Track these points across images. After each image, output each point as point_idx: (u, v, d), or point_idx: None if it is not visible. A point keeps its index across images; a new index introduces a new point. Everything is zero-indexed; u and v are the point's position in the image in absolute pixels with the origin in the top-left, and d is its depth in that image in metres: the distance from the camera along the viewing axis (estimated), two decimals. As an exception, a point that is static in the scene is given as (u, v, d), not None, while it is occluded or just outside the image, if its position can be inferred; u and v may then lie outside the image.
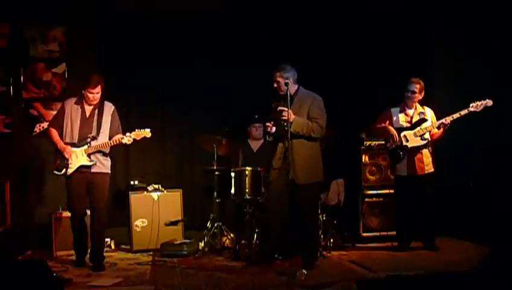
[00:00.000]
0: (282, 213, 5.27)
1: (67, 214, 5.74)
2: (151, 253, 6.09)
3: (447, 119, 5.73)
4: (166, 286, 4.71)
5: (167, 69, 6.86)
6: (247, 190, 5.65)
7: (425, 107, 5.99)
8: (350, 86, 6.94)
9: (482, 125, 5.93)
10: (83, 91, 5.32)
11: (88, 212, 5.54)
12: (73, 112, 5.37)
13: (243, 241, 5.76)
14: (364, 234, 6.46)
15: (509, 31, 6.14)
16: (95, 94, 5.31)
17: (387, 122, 5.98)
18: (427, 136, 5.86)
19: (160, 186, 6.41)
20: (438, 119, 5.85)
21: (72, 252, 5.54)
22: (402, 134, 5.87)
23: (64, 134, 5.38)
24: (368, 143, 6.57)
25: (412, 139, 5.86)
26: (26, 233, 6.21)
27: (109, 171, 5.46)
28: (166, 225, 6.29)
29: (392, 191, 6.33)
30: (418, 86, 5.87)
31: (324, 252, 5.73)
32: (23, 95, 6.55)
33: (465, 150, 6.40)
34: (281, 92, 5.25)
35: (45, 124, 6.44)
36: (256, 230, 5.66)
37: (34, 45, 6.57)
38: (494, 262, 4.05)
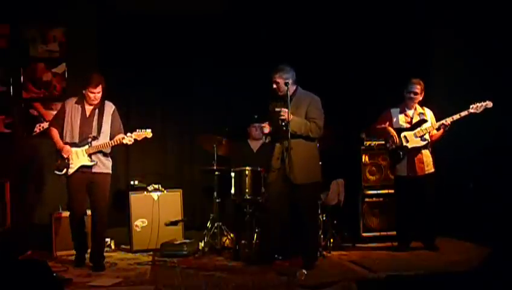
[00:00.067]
0: (281, 213, 5.28)
1: (67, 214, 5.74)
2: (151, 253, 6.09)
3: (447, 121, 5.73)
4: (166, 286, 4.71)
5: (167, 69, 6.86)
6: (247, 190, 5.65)
7: (425, 108, 5.99)
8: (350, 86, 6.94)
9: (482, 125, 5.93)
10: (84, 91, 5.31)
11: (88, 212, 5.54)
12: (73, 112, 5.37)
13: (243, 241, 5.76)
14: (364, 234, 6.46)
15: (509, 31, 6.14)
16: (96, 94, 5.30)
17: (387, 123, 5.98)
18: (427, 137, 5.86)
19: (160, 186, 6.41)
20: (437, 119, 5.85)
21: (72, 252, 5.54)
22: (402, 134, 5.87)
23: (64, 134, 5.38)
24: (368, 143, 6.57)
25: (412, 139, 5.86)
26: (26, 233, 6.21)
27: (110, 172, 5.46)
28: (166, 225, 6.29)
29: (392, 191, 6.33)
30: (419, 86, 5.87)
31: (324, 252, 5.73)
32: (23, 95, 6.55)
33: (465, 150, 6.40)
34: (280, 93, 5.26)
35: (45, 124, 6.45)
36: (256, 230, 5.67)
37: (34, 45, 6.57)
38: (494, 262, 4.05)
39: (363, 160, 6.56)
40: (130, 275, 5.12)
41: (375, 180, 6.57)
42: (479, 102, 5.64)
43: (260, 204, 5.66)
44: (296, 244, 5.34)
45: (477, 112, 5.65)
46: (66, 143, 5.33)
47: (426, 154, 5.89)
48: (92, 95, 5.29)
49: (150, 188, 6.39)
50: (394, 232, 6.14)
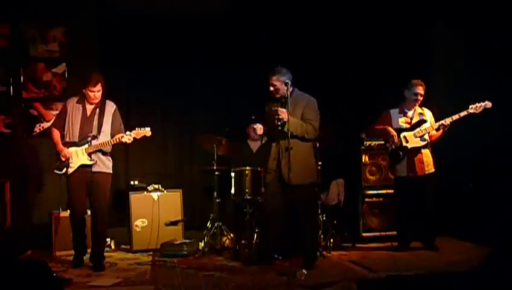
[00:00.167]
0: (279, 214, 5.29)
1: (67, 214, 5.73)
2: (151, 253, 6.09)
3: (447, 121, 5.73)
4: (166, 286, 4.71)
5: (167, 69, 6.86)
6: (247, 190, 5.65)
7: (424, 108, 5.99)
8: (350, 86, 6.94)
9: (481, 125, 5.93)
10: (84, 90, 5.31)
11: (89, 212, 5.53)
12: (74, 111, 5.36)
13: (243, 241, 5.75)
14: (364, 234, 6.46)
15: (509, 32, 6.14)
16: (96, 92, 5.30)
17: (387, 123, 5.97)
18: (426, 137, 5.86)
19: (160, 186, 6.41)
20: (437, 120, 5.84)
21: (72, 252, 5.52)
22: (402, 135, 5.87)
23: (65, 133, 5.37)
24: (368, 143, 6.57)
25: (411, 140, 5.86)
26: (26, 233, 6.21)
27: (111, 171, 5.45)
28: (166, 225, 6.29)
29: (392, 191, 6.33)
30: (422, 88, 5.87)
31: (324, 252, 5.73)
32: (23, 95, 6.56)
33: (464, 150, 6.40)
34: (277, 95, 5.28)
35: (45, 124, 6.46)
36: (256, 230, 5.66)
37: (34, 45, 6.58)
38: (494, 262, 4.05)
39: (363, 160, 6.56)
40: (130, 275, 5.12)
41: (375, 180, 6.57)
42: (478, 102, 5.64)
43: (260, 204, 5.66)
44: (295, 244, 5.34)
45: (477, 112, 5.65)
46: (66, 143, 5.33)
47: (426, 154, 5.89)
48: (92, 94, 5.29)
49: (150, 188, 6.39)
50: (394, 232, 6.14)
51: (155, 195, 6.36)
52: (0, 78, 6.49)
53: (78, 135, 5.32)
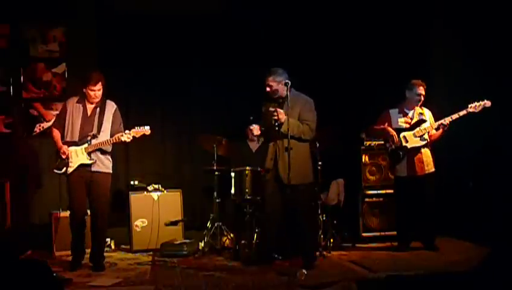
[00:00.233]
0: (276, 214, 5.29)
1: (67, 214, 5.73)
2: (151, 253, 6.10)
3: (446, 120, 5.73)
4: (166, 286, 4.71)
5: (166, 69, 6.86)
6: (247, 190, 5.65)
7: (424, 108, 5.99)
8: (349, 86, 6.94)
9: (482, 125, 5.93)
10: (84, 89, 5.30)
11: (88, 212, 5.53)
12: (74, 111, 5.36)
13: (242, 241, 5.75)
14: (364, 234, 6.46)
15: (507, 32, 6.15)
16: (96, 91, 5.29)
17: (386, 123, 5.97)
18: (426, 136, 5.86)
19: (160, 186, 6.41)
20: (436, 119, 5.84)
21: (72, 252, 5.53)
22: (401, 135, 5.87)
23: (65, 133, 5.36)
24: (368, 143, 6.57)
25: (411, 140, 5.85)
26: (26, 233, 6.21)
27: (111, 171, 5.44)
28: (166, 225, 6.29)
29: (392, 191, 6.33)
30: (423, 88, 5.87)
31: (324, 252, 5.73)
32: (23, 95, 6.56)
33: (464, 150, 6.41)
34: (274, 96, 5.29)
35: (45, 124, 6.46)
36: (256, 230, 5.66)
37: (34, 45, 6.58)
38: (494, 262, 4.05)
39: (363, 160, 6.56)
40: (130, 275, 5.12)
41: (375, 180, 6.57)
42: (478, 101, 5.65)
43: (260, 204, 5.66)
44: (295, 244, 5.35)
45: (476, 111, 5.65)
46: (66, 142, 5.32)
47: (426, 153, 5.89)
48: (92, 93, 5.29)
49: (149, 188, 6.39)
50: (394, 232, 6.14)
51: (155, 195, 6.37)
52: (0, 78, 6.49)
53: (78, 134, 5.31)
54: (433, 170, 5.89)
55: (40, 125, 6.55)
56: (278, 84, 5.25)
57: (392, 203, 6.26)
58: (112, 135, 5.36)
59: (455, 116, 5.71)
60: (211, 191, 6.32)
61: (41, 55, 6.59)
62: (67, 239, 5.71)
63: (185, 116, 7.02)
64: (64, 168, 5.31)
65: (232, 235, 6.11)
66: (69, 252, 5.60)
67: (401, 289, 4.34)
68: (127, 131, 5.34)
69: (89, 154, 5.29)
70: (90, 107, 5.37)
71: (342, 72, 6.95)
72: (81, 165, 5.29)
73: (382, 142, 6.16)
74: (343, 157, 6.54)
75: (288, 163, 4.94)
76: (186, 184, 6.80)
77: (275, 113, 5.10)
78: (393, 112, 6.00)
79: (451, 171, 6.33)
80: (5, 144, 6.41)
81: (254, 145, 6.54)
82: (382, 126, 5.97)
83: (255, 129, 5.40)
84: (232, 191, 5.77)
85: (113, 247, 6.35)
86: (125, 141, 5.35)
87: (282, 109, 5.19)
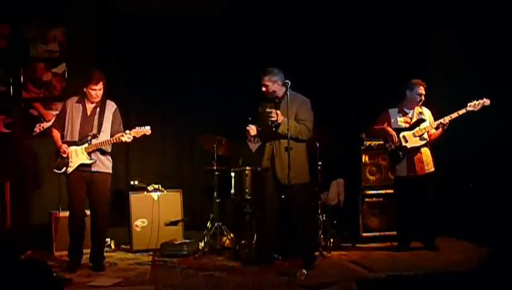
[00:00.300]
0: (275, 214, 5.29)
1: (66, 214, 5.70)
2: (151, 253, 6.10)
3: (445, 119, 5.73)
4: (166, 286, 4.71)
5: (166, 69, 6.86)
6: (247, 190, 5.65)
7: (423, 107, 5.98)
8: (349, 86, 6.94)
9: (481, 124, 5.94)
10: (85, 89, 5.29)
11: (88, 212, 5.52)
12: (74, 111, 5.35)
13: (242, 241, 5.76)
14: (364, 234, 6.46)
15: (506, 31, 6.15)
16: (98, 91, 5.29)
17: (385, 123, 5.97)
18: (425, 136, 5.86)
19: (160, 186, 6.41)
20: (436, 119, 5.85)
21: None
22: (401, 134, 5.87)
23: (65, 133, 5.36)
24: (368, 143, 6.57)
25: (411, 139, 5.85)
26: (26, 233, 6.21)
27: (110, 171, 5.43)
28: (166, 225, 6.29)
29: (392, 191, 6.33)
30: (423, 87, 5.86)
31: (324, 252, 5.73)
32: (23, 95, 6.56)
33: (464, 149, 6.41)
34: (270, 95, 5.30)
35: (45, 124, 6.46)
36: (255, 230, 5.66)
37: (34, 45, 6.58)
38: (494, 262, 4.05)
39: (363, 160, 6.56)
40: (130, 275, 5.12)
41: (375, 180, 6.57)
42: (477, 100, 5.65)
43: (260, 204, 5.65)
44: (295, 244, 5.35)
45: (475, 110, 5.65)
46: (66, 142, 5.31)
47: (426, 153, 5.89)
48: (93, 92, 5.28)
49: (150, 188, 6.39)
50: (394, 232, 6.14)
51: (155, 195, 6.37)
52: (0, 78, 6.49)
53: (78, 134, 5.30)
54: (432, 169, 5.89)
55: (40, 125, 6.55)
56: (274, 83, 5.26)
57: (392, 203, 6.26)
58: (112, 135, 5.35)
59: (454, 115, 5.71)
60: (211, 191, 6.32)
61: (41, 55, 6.59)
62: (67, 239, 5.68)
63: (185, 116, 7.02)
64: (64, 168, 5.30)
65: (232, 235, 6.11)
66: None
67: (401, 289, 4.34)
68: (127, 131, 5.33)
69: (89, 154, 5.28)
70: (90, 107, 5.36)
71: (341, 72, 6.95)
72: (81, 165, 5.28)
73: (382, 142, 6.16)
74: (343, 157, 6.54)
75: (288, 163, 4.93)
76: (186, 184, 6.79)
77: (272, 114, 5.10)
78: (393, 111, 6.00)
79: (451, 171, 6.34)
80: (5, 144, 6.41)
81: (254, 146, 6.54)
82: (381, 126, 5.97)
83: (252, 130, 5.39)
84: (232, 191, 5.77)
85: (113, 247, 6.35)
86: (125, 141, 5.35)
87: (278, 109, 5.19)
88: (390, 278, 4.55)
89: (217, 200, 6.20)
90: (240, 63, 6.82)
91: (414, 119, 5.91)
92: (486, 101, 5.64)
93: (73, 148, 5.28)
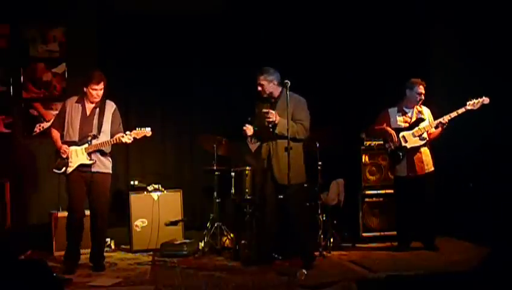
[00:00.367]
0: (273, 213, 5.28)
1: (66, 214, 5.71)
2: (151, 253, 6.10)
3: (445, 119, 5.72)
4: (166, 286, 4.71)
5: (166, 69, 6.86)
6: (247, 190, 5.66)
7: (423, 106, 5.98)
8: (349, 86, 6.94)
9: (481, 124, 5.94)
10: (85, 88, 5.28)
11: (87, 212, 5.51)
12: (73, 111, 5.34)
13: (242, 241, 5.76)
14: (364, 234, 6.46)
15: (506, 31, 6.15)
16: (99, 91, 5.28)
17: (385, 124, 5.96)
18: (425, 135, 5.85)
19: (160, 186, 6.41)
20: (435, 119, 5.84)
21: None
22: (401, 135, 5.87)
23: (65, 133, 5.35)
24: (368, 143, 6.57)
25: (410, 139, 5.85)
26: (26, 233, 6.21)
27: (110, 171, 5.43)
28: (166, 225, 6.29)
29: (392, 191, 6.32)
30: (423, 87, 5.86)
31: (324, 252, 5.73)
32: (23, 95, 6.56)
33: (464, 149, 6.41)
34: (265, 95, 5.30)
35: (45, 124, 6.46)
36: (254, 231, 5.66)
37: (34, 45, 6.58)
38: (494, 262, 4.05)
39: (363, 160, 6.56)
40: (130, 275, 5.12)
41: (375, 180, 6.57)
42: (476, 98, 5.64)
43: (259, 204, 5.65)
44: (295, 244, 5.34)
45: (474, 108, 5.64)
46: (66, 142, 5.31)
47: (426, 153, 5.88)
48: (94, 92, 5.27)
49: (150, 188, 6.39)
50: (394, 232, 6.14)
51: (155, 195, 6.37)
52: (0, 78, 6.49)
53: (78, 134, 5.30)
54: (432, 169, 5.89)
55: (40, 125, 6.55)
56: (270, 83, 5.27)
57: (392, 203, 6.26)
58: (111, 135, 5.35)
59: (454, 114, 5.70)
60: (211, 191, 6.32)
61: (41, 55, 6.59)
62: (67, 239, 5.72)
63: (185, 116, 7.02)
64: (64, 168, 5.30)
65: (232, 235, 6.11)
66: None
67: (401, 289, 4.34)
68: (127, 132, 5.33)
69: (89, 154, 5.27)
70: (89, 107, 5.36)
71: (342, 72, 6.94)
72: (81, 165, 5.28)
73: (382, 142, 6.16)
74: (343, 157, 6.54)
75: (288, 164, 4.93)
76: (186, 184, 6.79)
77: (269, 115, 5.10)
78: (392, 111, 6.00)
79: (450, 171, 6.33)
80: (5, 144, 6.41)
81: (253, 146, 6.53)
82: (381, 127, 5.97)
83: (248, 130, 5.39)
84: (232, 191, 5.77)
85: (113, 247, 6.35)
86: (125, 142, 5.35)
87: (274, 108, 5.19)
88: (390, 278, 4.56)
89: (217, 200, 6.20)
90: (240, 63, 6.82)
91: (413, 119, 5.90)
92: (486, 100, 5.63)
93: (73, 148, 5.28)
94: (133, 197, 6.34)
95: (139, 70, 6.80)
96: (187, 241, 6.09)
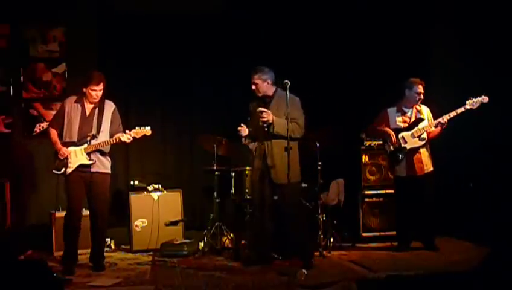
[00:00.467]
0: (270, 213, 5.28)
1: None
2: (151, 253, 6.10)
3: (444, 118, 5.72)
4: (166, 286, 4.71)
5: (166, 69, 6.86)
6: (247, 190, 5.65)
7: (422, 105, 5.97)
8: (349, 86, 6.94)
9: (481, 124, 5.94)
10: (85, 89, 5.27)
11: (86, 212, 5.50)
12: (73, 111, 5.33)
13: (242, 241, 5.76)
14: (364, 234, 6.46)
15: (506, 31, 6.15)
16: (98, 91, 5.27)
17: (383, 124, 5.96)
18: (424, 136, 5.85)
19: (160, 186, 6.41)
20: (435, 118, 5.84)
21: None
22: (400, 135, 5.86)
23: (64, 133, 5.34)
24: (368, 143, 6.57)
25: (410, 140, 5.85)
26: (26, 233, 6.21)
27: (110, 171, 5.42)
28: (166, 225, 6.29)
29: (392, 191, 6.32)
30: (422, 86, 5.85)
31: (324, 252, 5.73)
32: (23, 95, 6.56)
33: (464, 149, 6.41)
34: (259, 94, 5.30)
35: (45, 124, 6.45)
36: (253, 231, 5.65)
37: (34, 45, 6.58)
38: (494, 262, 4.05)
39: (363, 160, 6.56)
40: (130, 275, 5.12)
41: (375, 180, 6.57)
42: (475, 97, 5.63)
43: (258, 204, 5.64)
44: (294, 244, 5.34)
45: (474, 107, 5.63)
46: (65, 142, 5.30)
47: (425, 153, 5.88)
48: (93, 93, 5.26)
49: (149, 188, 6.39)
50: (394, 232, 6.14)
51: (155, 195, 6.37)
52: (0, 78, 6.49)
53: (77, 134, 5.29)
54: (431, 169, 5.89)
55: (40, 125, 6.55)
56: (264, 82, 5.27)
57: (392, 203, 6.26)
58: (111, 135, 5.34)
59: (453, 113, 5.70)
60: (211, 191, 6.32)
61: (41, 55, 6.59)
62: (66, 239, 5.71)
63: (185, 116, 7.02)
64: (63, 169, 5.29)
65: (232, 235, 6.11)
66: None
67: (401, 289, 4.34)
68: (127, 131, 5.32)
69: (88, 154, 5.26)
70: (89, 107, 5.35)
71: (341, 72, 6.94)
72: (81, 166, 5.27)
73: (381, 142, 6.16)
74: (343, 157, 6.54)
75: (288, 163, 4.92)
76: (186, 184, 6.79)
77: (264, 114, 5.10)
78: (392, 110, 5.99)
79: (450, 170, 6.33)
80: (4, 144, 6.41)
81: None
82: (380, 127, 5.96)
83: (243, 130, 5.38)
84: (232, 191, 5.77)
85: (113, 247, 6.35)
86: (125, 142, 5.34)
87: (269, 108, 5.19)
88: (390, 278, 4.55)
89: (217, 200, 6.19)
90: (239, 63, 6.80)
91: (413, 119, 5.90)
92: (485, 98, 5.62)
93: (72, 148, 5.27)
94: (133, 197, 6.34)
95: (139, 71, 6.80)
96: (187, 241, 6.09)
